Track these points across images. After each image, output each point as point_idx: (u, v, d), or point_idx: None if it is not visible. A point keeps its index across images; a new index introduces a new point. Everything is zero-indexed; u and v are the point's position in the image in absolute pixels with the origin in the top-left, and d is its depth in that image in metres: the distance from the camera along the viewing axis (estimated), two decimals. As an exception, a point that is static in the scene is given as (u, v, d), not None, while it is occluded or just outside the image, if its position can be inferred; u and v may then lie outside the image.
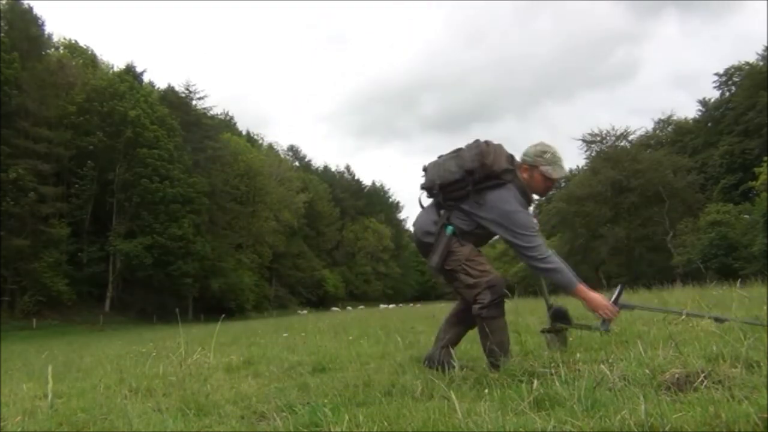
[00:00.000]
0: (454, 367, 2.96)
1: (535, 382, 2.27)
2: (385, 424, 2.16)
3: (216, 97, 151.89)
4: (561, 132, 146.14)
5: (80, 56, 47.05)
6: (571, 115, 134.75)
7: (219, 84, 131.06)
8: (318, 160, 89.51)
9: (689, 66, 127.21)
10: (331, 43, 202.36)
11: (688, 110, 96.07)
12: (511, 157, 3.17)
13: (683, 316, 3.03)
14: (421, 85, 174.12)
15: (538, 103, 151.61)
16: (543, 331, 3.55)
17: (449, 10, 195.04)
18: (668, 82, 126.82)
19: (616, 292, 3.20)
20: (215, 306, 43.96)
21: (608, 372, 2.35)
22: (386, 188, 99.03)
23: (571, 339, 3.96)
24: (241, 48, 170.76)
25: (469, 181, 3.08)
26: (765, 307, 3.86)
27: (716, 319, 2.82)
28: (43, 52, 40.85)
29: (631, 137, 55.49)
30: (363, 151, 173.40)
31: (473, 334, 3.31)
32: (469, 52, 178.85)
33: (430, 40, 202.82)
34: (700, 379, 2.09)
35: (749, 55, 50.61)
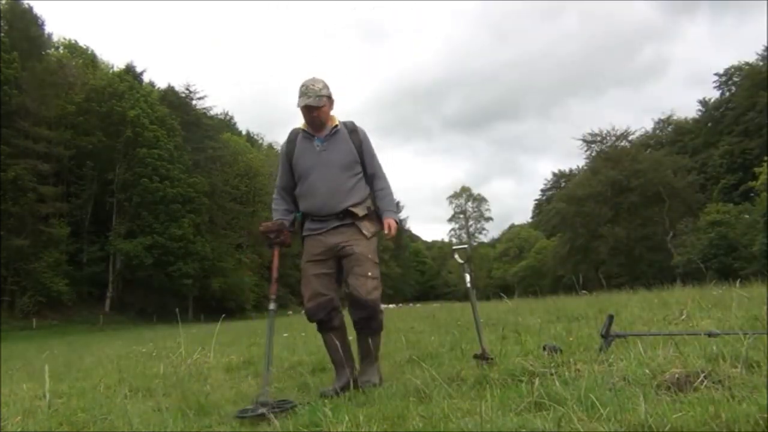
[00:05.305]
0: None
1: (536, 382, 2.27)
2: (385, 424, 2.16)
3: (216, 96, 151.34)
4: (580, 131, 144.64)
5: (80, 56, 47.03)
6: (595, 114, 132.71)
7: (219, 84, 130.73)
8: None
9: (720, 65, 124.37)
10: (333, 42, 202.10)
11: (689, 110, 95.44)
12: None
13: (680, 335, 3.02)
14: (441, 84, 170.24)
15: (562, 101, 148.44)
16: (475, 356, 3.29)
17: (472, 6, 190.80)
18: (694, 81, 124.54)
19: (606, 323, 3.19)
20: (215, 306, 43.91)
21: (608, 372, 2.35)
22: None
23: (571, 339, 3.96)
24: (242, 48, 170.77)
25: None
26: (765, 307, 3.85)
27: (710, 335, 2.80)
28: (43, 52, 40.87)
29: (631, 137, 55.65)
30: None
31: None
32: (494, 50, 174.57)
33: (448, 37, 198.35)
34: (700, 379, 2.08)
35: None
